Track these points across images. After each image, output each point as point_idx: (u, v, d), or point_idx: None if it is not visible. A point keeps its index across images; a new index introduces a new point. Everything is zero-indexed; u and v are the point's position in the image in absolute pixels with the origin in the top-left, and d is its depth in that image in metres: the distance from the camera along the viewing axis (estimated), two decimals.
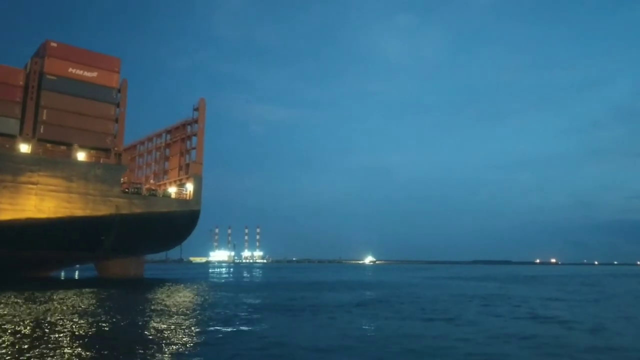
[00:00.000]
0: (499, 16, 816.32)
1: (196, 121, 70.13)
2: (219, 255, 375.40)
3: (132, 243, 63.68)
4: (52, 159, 57.36)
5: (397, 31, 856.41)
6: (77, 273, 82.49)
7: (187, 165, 69.78)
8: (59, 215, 56.53)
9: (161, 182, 74.41)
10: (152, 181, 76.18)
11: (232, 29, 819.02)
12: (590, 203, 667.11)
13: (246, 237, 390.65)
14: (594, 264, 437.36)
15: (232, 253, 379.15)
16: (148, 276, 77.27)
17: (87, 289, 41.85)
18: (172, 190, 70.04)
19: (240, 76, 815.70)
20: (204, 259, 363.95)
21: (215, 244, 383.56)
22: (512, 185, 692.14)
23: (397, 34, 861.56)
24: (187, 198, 67.92)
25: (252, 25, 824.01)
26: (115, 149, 62.74)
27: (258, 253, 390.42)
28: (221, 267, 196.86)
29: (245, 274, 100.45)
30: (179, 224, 66.76)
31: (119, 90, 63.57)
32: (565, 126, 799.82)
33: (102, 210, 59.48)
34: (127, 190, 63.49)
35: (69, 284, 56.21)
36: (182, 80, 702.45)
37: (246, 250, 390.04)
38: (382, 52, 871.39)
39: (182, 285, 54.05)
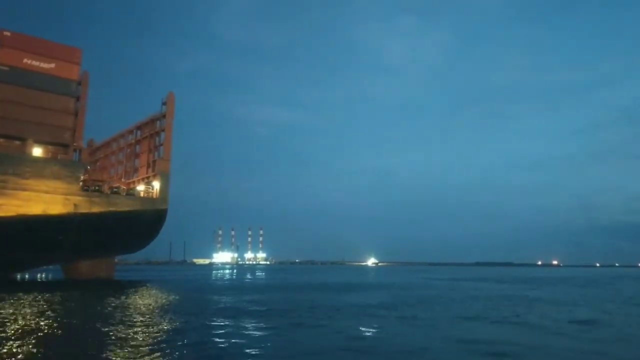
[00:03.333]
0: (501, 17, 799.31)
1: (164, 116, 66.80)
2: (223, 256, 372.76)
3: (94, 243, 60.38)
4: (4, 155, 54.33)
5: (399, 33, 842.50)
6: (38, 275, 79.58)
7: (154, 162, 66.54)
8: (11, 213, 53.51)
9: (130, 180, 71.26)
10: (122, 179, 73.05)
11: (234, 30, 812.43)
12: (592, 205, 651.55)
13: (249, 239, 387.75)
14: (595, 266, 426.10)
15: (236, 255, 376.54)
16: (127, 277, 74.50)
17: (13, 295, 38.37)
18: (141, 188, 66.90)
19: (242, 78, 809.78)
20: (207, 261, 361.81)
21: (219, 245, 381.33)
22: (514, 187, 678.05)
23: (399, 36, 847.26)
24: (153, 196, 64.65)
25: (253, 27, 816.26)
26: (75, 144, 59.60)
27: (261, 255, 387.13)
28: (224, 268, 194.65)
29: (248, 275, 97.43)
30: (143, 224, 63.37)
31: (79, 83, 60.42)
32: (568, 128, 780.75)
33: (59, 209, 56.36)
34: (87, 188, 60.31)
35: (19, 286, 52.96)
36: (183, 82, 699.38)
37: (249, 252, 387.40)
38: (384, 54, 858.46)
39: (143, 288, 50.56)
